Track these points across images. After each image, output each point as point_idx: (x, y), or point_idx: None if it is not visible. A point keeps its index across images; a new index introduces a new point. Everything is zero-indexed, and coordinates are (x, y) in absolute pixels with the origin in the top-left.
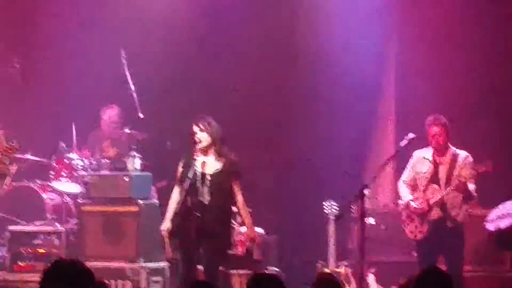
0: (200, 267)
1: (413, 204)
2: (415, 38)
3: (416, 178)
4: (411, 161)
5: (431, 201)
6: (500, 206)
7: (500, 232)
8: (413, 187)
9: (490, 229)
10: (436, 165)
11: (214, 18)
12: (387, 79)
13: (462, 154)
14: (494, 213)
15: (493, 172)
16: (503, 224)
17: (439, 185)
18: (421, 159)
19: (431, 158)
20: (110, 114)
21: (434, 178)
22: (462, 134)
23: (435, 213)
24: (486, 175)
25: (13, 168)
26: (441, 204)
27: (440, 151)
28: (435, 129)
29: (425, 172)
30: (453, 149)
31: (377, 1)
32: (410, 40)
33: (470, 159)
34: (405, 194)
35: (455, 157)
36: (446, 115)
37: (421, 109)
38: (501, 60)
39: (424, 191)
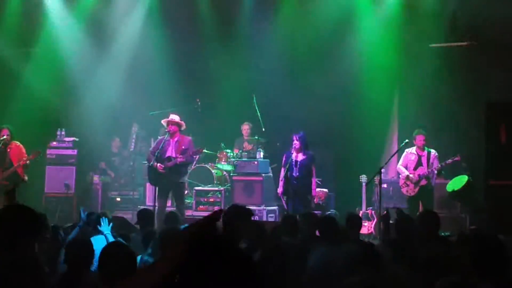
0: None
1: (411, 175)
2: None
3: (407, 164)
4: (403, 155)
5: (421, 175)
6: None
7: (454, 192)
8: (406, 169)
9: (449, 190)
10: (419, 156)
11: None
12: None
13: (433, 151)
14: (451, 182)
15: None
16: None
17: (423, 167)
18: (410, 153)
19: (415, 153)
20: (245, 128)
21: (419, 164)
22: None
23: (424, 181)
24: (455, 163)
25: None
26: (426, 177)
27: (421, 148)
28: (420, 138)
29: (413, 160)
30: (427, 149)
31: None
32: None
33: (437, 154)
34: (404, 171)
35: (429, 152)
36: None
37: (414, 125)
38: None
39: (414, 169)
